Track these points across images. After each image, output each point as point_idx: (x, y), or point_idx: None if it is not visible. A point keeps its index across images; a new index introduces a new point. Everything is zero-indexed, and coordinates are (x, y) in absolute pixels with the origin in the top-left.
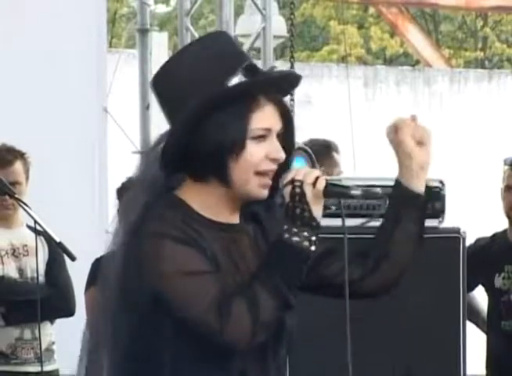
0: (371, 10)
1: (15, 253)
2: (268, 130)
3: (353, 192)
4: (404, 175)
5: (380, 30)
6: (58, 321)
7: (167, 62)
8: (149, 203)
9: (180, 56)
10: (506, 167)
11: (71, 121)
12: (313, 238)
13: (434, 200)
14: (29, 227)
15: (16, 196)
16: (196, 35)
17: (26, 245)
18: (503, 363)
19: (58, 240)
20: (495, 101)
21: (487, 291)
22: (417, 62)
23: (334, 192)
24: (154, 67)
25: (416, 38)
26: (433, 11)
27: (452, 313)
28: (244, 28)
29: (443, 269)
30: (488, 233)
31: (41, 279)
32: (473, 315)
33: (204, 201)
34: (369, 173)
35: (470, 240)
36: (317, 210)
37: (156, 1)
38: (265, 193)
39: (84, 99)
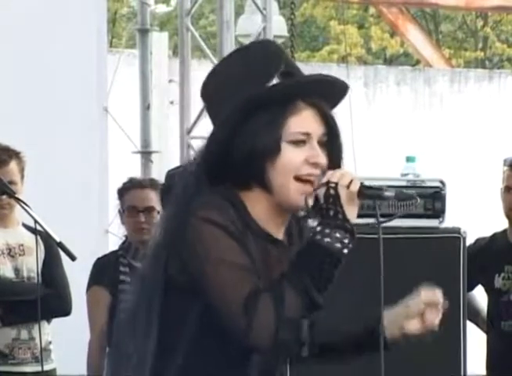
0: (371, 10)
1: (11, 253)
2: (307, 134)
3: (387, 193)
4: (391, 324)
5: (381, 30)
6: (55, 321)
7: (214, 67)
8: (210, 191)
9: (223, 61)
10: (506, 167)
11: (71, 121)
12: (346, 240)
13: (434, 200)
14: (25, 226)
15: (16, 195)
16: (197, 35)
17: (22, 245)
18: (503, 363)
19: (58, 239)
20: (496, 101)
21: (487, 291)
22: (417, 62)
23: (369, 194)
24: (154, 67)
25: (416, 38)
26: (433, 11)
27: (453, 313)
28: (244, 28)
29: (443, 269)
30: (488, 233)
31: (38, 278)
32: (473, 315)
33: (254, 209)
34: (370, 173)
35: (470, 240)
36: (351, 212)
37: (157, 1)
38: (302, 201)
39: (84, 99)
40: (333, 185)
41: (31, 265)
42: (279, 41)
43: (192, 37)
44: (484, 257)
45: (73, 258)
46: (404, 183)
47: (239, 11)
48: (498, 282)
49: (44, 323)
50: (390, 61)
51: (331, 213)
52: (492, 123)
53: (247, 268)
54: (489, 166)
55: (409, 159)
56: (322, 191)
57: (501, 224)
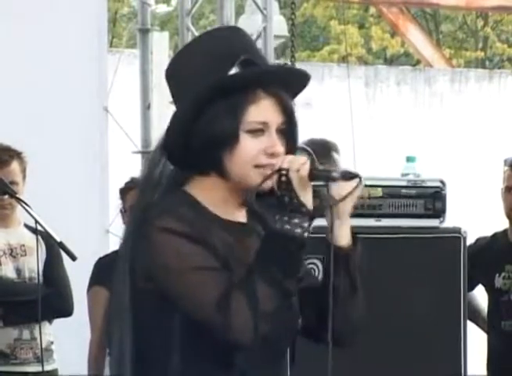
0: (372, 10)
1: (12, 253)
2: (265, 124)
3: (334, 174)
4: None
5: (381, 30)
6: (56, 321)
7: (175, 56)
8: (158, 199)
9: (183, 50)
10: (506, 167)
11: (72, 121)
12: (305, 224)
13: (434, 200)
14: (27, 227)
15: (17, 196)
16: (197, 35)
17: (23, 245)
18: (504, 363)
19: (58, 239)
20: (496, 101)
21: (487, 290)
22: (418, 62)
23: (318, 176)
24: (155, 67)
25: (416, 38)
26: (433, 11)
27: (453, 313)
28: (245, 28)
29: (444, 269)
30: (489, 233)
31: (40, 279)
32: (473, 315)
33: (212, 197)
34: (370, 173)
35: (470, 240)
36: (305, 196)
37: (157, 1)
38: (262, 185)
39: (84, 99)
40: (284, 171)
41: (33, 265)
42: (280, 41)
43: (192, 37)
44: (485, 257)
45: (73, 258)
46: (404, 183)
47: (239, 11)
48: (498, 282)
49: (45, 324)
50: (390, 61)
51: (286, 199)
52: (493, 123)
53: (214, 268)
54: (489, 166)
55: (410, 159)
56: (274, 178)
57: (501, 224)
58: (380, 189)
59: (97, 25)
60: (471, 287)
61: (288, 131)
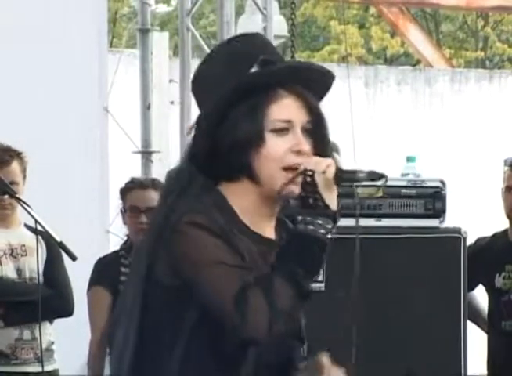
0: (372, 10)
1: (13, 253)
2: (289, 122)
3: (360, 175)
4: None
5: (381, 30)
6: (57, 321)
7: (197, 67)
8: (186, 202)
9: (205, 59)
10: (507, 167)
11: (72, 121)
12: (329, 226)
13: (434, 200)
14: (27, 227)
15: (17, 196)
16: (197, 35)
17: (24, 245)
18: (504, 363)
19: (59, 239)
20: (496, 101)
21: (487, 290)
22: (418, 62)
23: (344, 178)
24: (155, 67)
25: (416, 38)
26: (434, 11)
27: (453, 313)
28: (245, 28)
29: (444, 269)
30: (489, 233)
31: (40, 279)
32: (473, 315)
33: (242, 204)
34: None
35: (470, 240)
36: (330, 197)
37: (157, 0)
38: (293, 188)
39: (85, 99)
40: (309, 173)
41: (33, 265)
42: (280, 41)
43: (192, 37)
44: (485, 256)
45: (73, 258)
46: (404, 183)
47: (239, 11)
48: (498, 282)
49: (46, 324)
50: (390, 61)
51: (310, 201)
52: (493, 123)
53: (236, 265)
54: (489, 166)
55: (410, 159)
56: (299, 180)
57: (501, 224)
58: (380, 189)
59: (97, 25)
60: (471, 287)
61: (315, 130)
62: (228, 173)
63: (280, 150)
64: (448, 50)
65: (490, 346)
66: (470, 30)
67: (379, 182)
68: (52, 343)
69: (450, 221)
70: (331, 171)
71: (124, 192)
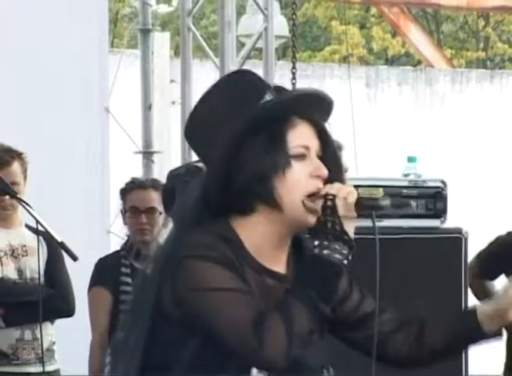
0: (373, 10)
1: (14, 254)
2: (307, 148)
3: (383, 203)
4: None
5: (382, 31)
6: (58, 321)
7: (194, 108)
8: (202, 227)
9: (204, 97)
10: None
11: (73, 121)
12: (345, 251)
13: (435, 200)
14: (28, 227)
15: (18, 196)
16: (198, 35)
17: (25, 245)
18: None
19: (60, 239)
20: (497, 101)
21: None
22: (419, 62)
23: (365, 205)
24: (156, 67)
25: (417, 38)
26: (435, 11)
27: None
28: (246, 28)
29: (445, 269)
30: (491, 233)
31: (41, 279)
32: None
33: (254, 239)
34: (371, 173)
35: (471, 241)
36: (349, 224)
37: (158, 1)
38: (313, 219)
39: (85, 100)
40: (330, 197)
41: (34, 265)
42: (281, 41)
43: (193, 38)
44: None
45: (74, 258)
46: (405, 183)
47: (240, 11)
48: None
49: (47, 324)
50: (391, 61)
51: (329, 225)
52: (494, 123)
53: (247, 292)
54: (491, 166)
55: (411, 159)
56: (320, 203)
57: (503, 224)
58: (381, 189)
59: (98, 25)
60: (494, 276)
61: (326, 155)
62: (244, 205)
63: (302, 176)
64: (449, 50)
65: (510, 345)
66: (471, 31)
67: (400, 210)
68: (53, 343)
69: (451, 221)
70: (353, 197)
71: (125, 192)
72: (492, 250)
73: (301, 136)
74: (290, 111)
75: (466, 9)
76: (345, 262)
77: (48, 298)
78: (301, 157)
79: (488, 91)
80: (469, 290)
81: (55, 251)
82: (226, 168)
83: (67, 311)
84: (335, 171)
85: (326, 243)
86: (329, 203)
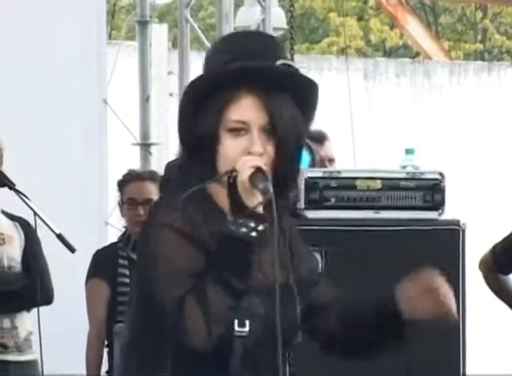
0: (371, 2)
1: None
2: (245, 123)
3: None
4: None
5: (380, 22)
6: (56, 313)
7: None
8: (172, 196)
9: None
10: None
11: (71, 113)
12: (251, 224)
13: (433, 192)
14: (5, 214)
15: (16, 187)
16: (196, 27)
17: (2, 233)
18: None
19: (58, 231)
20: (495, 93)
21: None
22: (417, 54)
23: (256, 184)
24: (154, 59)
25: (415, 30)
26: (432, 3)
27: None
28: (244, 20)
29: (442, 261)
30: (489, 225)
31: (18, 267)
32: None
33: (224, 194)
34: (369, 165)
35: (469, 232)
36: (248, 198)
37: None
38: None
39: (83, 91)
40: (235, 173)
41: (12, 254)
42: (279, 33)
43: (191, 29)
44: None
45: (72, 250)
46: (403, 175)
47: (238, 3)
48: None
49: (23, 313)
50: (389, 53)
51: (232, 200)
52: (492, 115)
53: (188, 271)
54: (488, 158)
55: (409, 151)
56: (225, 179)
57: (500, 216)
58: (379, 181)
59: (96, 17)
60: (509, 271)
61: (275, 131)
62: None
63: (235, 151)
64: (447, 42)
65: None
66: (469, 23)
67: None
68: (31, 333)
69: (449, 213)
70: (246, 174)
71: (122, 184)
72: (507, 243)
73: (241, 110)
74: (236, 82)
75: (464, 0)
76: (253, 234)
77: (26, 287)
78: (238, 131)
79: (486, 83)
80: (466, 282)
81: (33, 238)
82: (185, 129)
83: (46, 299)
84: (284, 147)
85: (231, 219)
86: (230, 179)
